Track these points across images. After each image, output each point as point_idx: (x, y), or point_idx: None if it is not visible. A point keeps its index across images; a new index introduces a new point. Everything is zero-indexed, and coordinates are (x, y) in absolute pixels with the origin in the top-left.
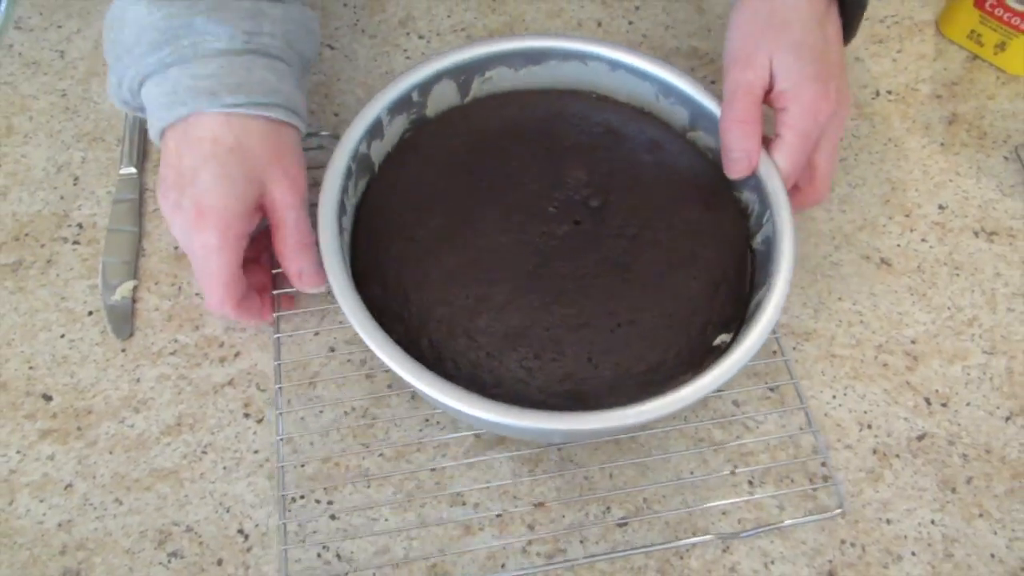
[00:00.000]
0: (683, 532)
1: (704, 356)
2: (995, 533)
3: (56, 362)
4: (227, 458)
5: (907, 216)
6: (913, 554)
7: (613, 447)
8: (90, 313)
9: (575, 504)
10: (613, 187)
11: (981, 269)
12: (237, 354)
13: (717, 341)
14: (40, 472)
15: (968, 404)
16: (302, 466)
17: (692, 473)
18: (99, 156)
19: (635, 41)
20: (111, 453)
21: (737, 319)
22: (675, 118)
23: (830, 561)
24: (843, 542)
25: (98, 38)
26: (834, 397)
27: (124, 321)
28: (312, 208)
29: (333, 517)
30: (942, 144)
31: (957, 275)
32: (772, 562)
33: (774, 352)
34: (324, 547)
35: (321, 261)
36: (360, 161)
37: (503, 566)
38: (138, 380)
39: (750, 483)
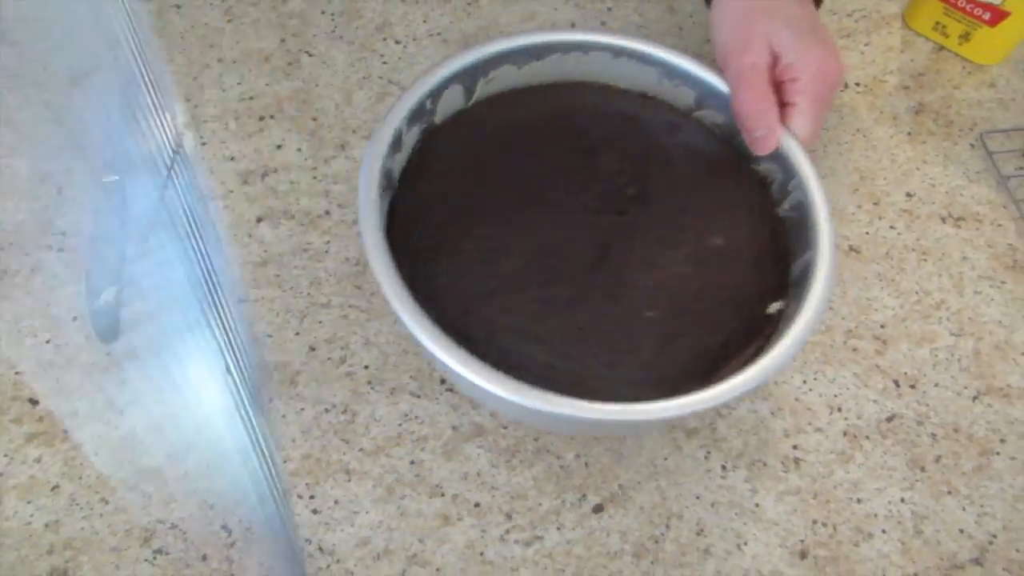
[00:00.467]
0: (658, 517)
1: (763, 325)
2: (964, 509)
3: (42, 367)
4: (211, 456)
5: (875, 204)
6: (883, 532)
7: (588, 435)
8: (75, 318)
9: (551, 492)
10: (647, 173)
11: (948, 254)
12: None
13: (772, 309)
14: (27, 475)
15: (936, 385)
16: (284, 462)
17: (666, 459)
18: (83, 165)
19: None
20: (97, 454)
21: (784, 285)
22: (680, 99)
23: (802, 541)
24: (815, 522)
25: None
26: (804, 382)
27: (109, 325)
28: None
29: (315, 511)
30: (909, 133)
31: (925, 260)
32: (745, 543)
33: None
34: (307, 540)
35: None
36: (384, 176)
37: (482, 554)
38: (123, 383)
39: (723, 467)
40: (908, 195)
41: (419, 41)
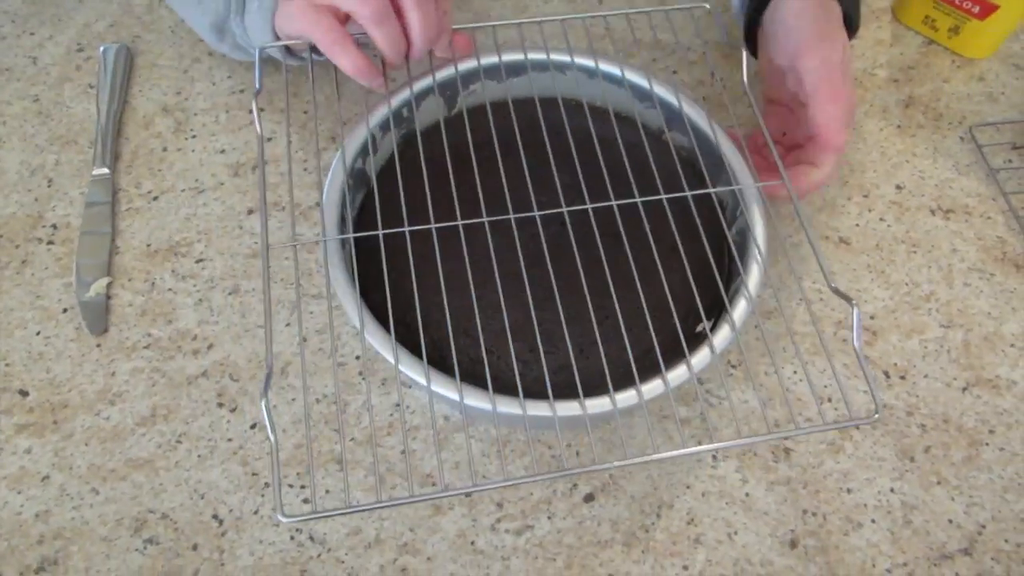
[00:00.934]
0: (649, 506)
1: (688, 343)
2: (952, 499)
3: (32, 358)
4: (201, 447)
5: (865, 196)
6: (873, 521)
7: (580, 426)
8: (65, 310)
9: (543, 482)
10: (596, 189)
11: (938, 246)
12: (210, 346)
13: (699, 329)
14: (17, 465)
15: (926, 376)
16: (276, 452)
17: (658, 449)
18: (72, 158)
19: (599, 34)
20: (87, 445)
21: (717, 307)
22: (652, 120)
23: (792, 531)
24: (805, 512)
25: (70, 44)
26: (795, 372)
27: (98, 317)
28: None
29: (306, 501)
30: (899, 126)
31: (914, 252)
32: (735, 533)
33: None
34: (297, 530)
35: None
36: (357, 176)
37: (473, 543)
38: (113, 374)
39: (714, 457)
40: (898, 187)
41: None
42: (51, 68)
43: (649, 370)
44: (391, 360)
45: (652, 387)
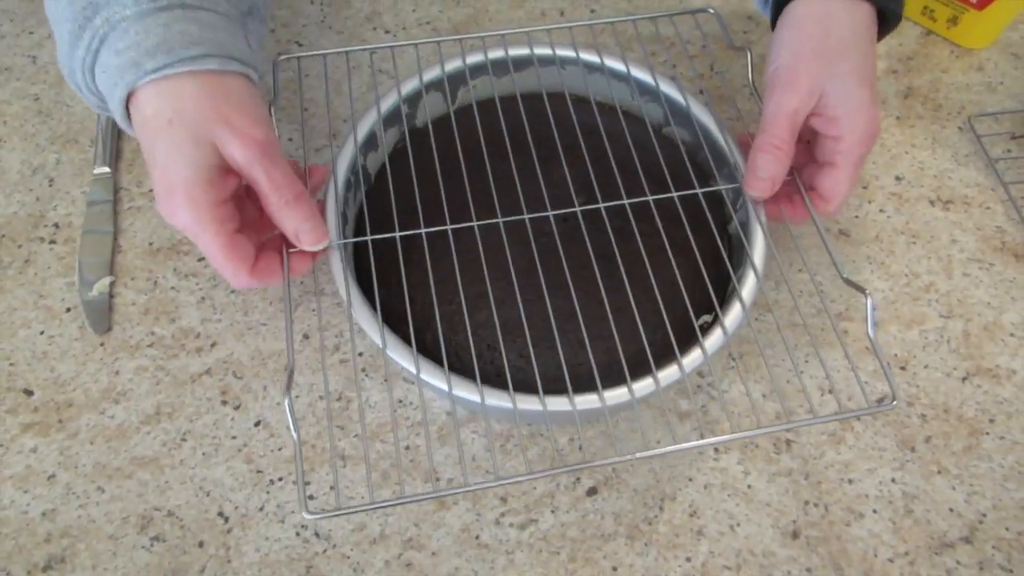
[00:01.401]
0: (651, 499)
1: (689, 336)
2: (953, 488)
3: (36, 358)
4: (205, 444)
5: (865, 188)
6: (874, 511)
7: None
8: (68, 310)
9: (546, 476)
10: (598, 184)
11: (937, 236)
12: (213, 344)
13: (700, 321)
14: (23, 464)
15: (926, 366)
16: (279, 449)
17: (659, 442)
18: (73, 157)
19: (597, 29)
20: (92, 443)
21: (718, 299)
22: (652, 114)
23: (794, 522)
24: (806, 503)
25: None
26: (796, 364)
27: (102, 316)
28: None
29: (311, 497)
30: (898, 117)
31: (914, 243)
32: (738, 524)
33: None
34: (303, 526)
35: (316, 213)
36: (357, 173)
37: (477, 537)
38: (117, 372)
39: (716, 450)
40: (897, 178)
41: (408, 30)
42: (51, 67)
43: (646, 364)
44: (412, 370)
45: (667, 374)
